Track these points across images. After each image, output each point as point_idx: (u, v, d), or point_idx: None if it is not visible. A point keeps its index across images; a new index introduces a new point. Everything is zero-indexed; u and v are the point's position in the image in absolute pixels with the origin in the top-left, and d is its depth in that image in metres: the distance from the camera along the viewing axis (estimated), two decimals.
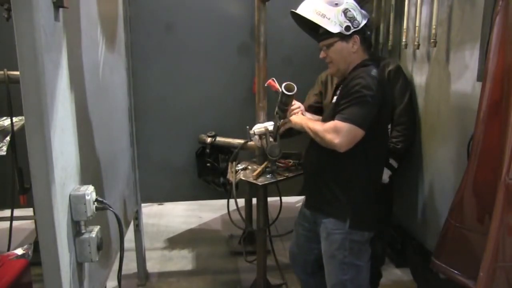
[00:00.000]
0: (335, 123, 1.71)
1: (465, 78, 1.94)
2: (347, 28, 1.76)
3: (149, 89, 2.73)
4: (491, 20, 1.58)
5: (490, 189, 1.51)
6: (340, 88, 1.90)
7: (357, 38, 1.79)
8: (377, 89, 1.71)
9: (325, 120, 1.90)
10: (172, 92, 2.75)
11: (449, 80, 2.08)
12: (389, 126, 2.00)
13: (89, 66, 1.62)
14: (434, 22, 2.08)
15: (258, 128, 2.29)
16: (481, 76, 1.74)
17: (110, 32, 2.13)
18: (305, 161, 2.05)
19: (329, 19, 1.76)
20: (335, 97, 1.91)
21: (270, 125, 2.30)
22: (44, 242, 1.18)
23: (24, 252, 1.39)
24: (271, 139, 2.26)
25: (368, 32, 1.88)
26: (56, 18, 1.21)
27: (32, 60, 1.08)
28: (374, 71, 1.77)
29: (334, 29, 1.76)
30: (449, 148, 2.07)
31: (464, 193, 1.74)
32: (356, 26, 1.77)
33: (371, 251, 1.95)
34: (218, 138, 2.68)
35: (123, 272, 1.66)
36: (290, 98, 2.15)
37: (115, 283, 1.67)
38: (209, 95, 2.78)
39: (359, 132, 1.70)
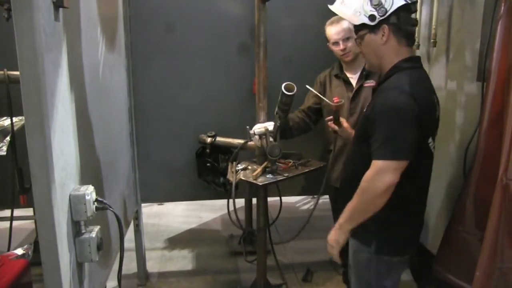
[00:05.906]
0: (373, 165, 1.51)
1: (465, 78, 1.94)
2: (372, 17, 1.56)
3: (149, 89, 2.72)
4: (491, 22, 1.58)
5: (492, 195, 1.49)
6: (373, 96, 1.72)
7: (386, 28, 1.56)
8: (409, 105, 1.48)
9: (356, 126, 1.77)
10: (172, 92, 2.75)
11: (449, 80, 2.08)
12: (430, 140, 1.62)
13: (89, 66, 1.62)
14: (434, 22, 2.08)
15: (258, 128, 2.28)
16: (481, 76, 1.74)
17: (110, 32, 2.13)
18: (341, 177, 1.89)
19: (354, 9, 1.59)
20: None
21: (270, 125, 2.30)
22: (44, 242, 1.18)
23: (24, 252, 1.39)
24: (271, 139, 2.26)
25: (411, 19, 1.62)
26: (56, 18, 1.21)
27: (32, 60, 1.08)
28: (406, 82, 1.54)
29: (358, 20, 1.59)
30: (448, 149, 2.08)
31: (466, 201, 1.72)
32: (382, 14, 1.55)
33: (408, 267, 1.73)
34: (218, 138, 2.67)
35: (123, 272, 1.66)
36: (290, 98, 2.16)
37: (115, 283, 1.67)
38: (209, 95, 2.78)
39: (403, 164, 1.49)
